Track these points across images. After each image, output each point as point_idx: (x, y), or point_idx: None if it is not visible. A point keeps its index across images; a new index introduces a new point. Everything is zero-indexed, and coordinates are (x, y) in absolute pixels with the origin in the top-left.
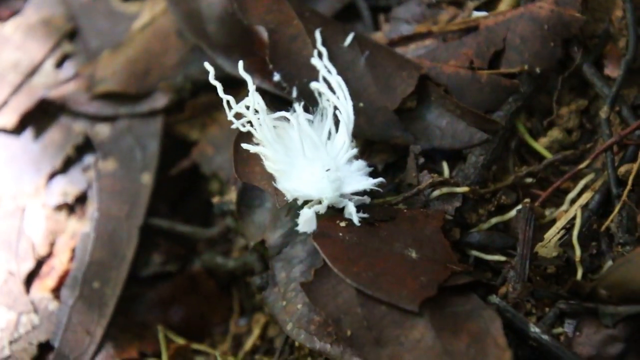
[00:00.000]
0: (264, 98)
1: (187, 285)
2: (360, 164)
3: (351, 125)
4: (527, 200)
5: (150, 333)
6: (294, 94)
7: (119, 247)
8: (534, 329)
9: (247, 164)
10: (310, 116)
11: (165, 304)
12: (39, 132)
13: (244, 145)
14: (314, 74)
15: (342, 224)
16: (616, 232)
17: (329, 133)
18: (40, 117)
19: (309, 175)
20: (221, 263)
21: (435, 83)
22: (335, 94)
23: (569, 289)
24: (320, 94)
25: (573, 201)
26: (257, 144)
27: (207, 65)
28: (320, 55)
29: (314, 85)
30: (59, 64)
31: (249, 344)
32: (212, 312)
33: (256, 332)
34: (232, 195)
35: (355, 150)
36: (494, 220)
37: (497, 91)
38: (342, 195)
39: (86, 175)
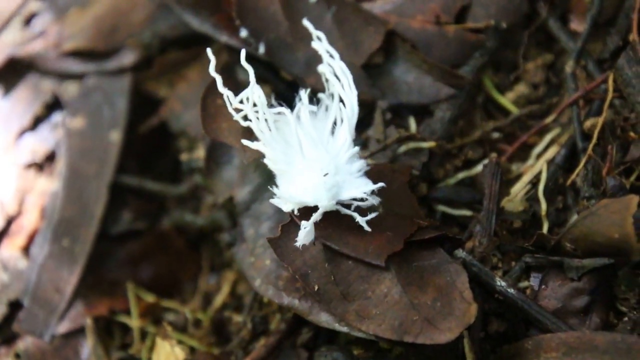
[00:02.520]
0: (231, 55)
1: (157, 243)
2: (361, 163)
3: (354, 120)
4: (493, 154)
5: (120, 290)
6: (261, 50)
7: (88, 205)
8: (500, 283)
9: (215, 121)
10: (314, 107)
11: (135, 262)
12: (7, 90)
13: (244, 142)
14: (280, 30)
15: None
16: (582, 186)
17: (334, 125)
18: (8, 75)
19: (306, 180)
20: (190, 220)
21: (402, 38)
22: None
23: (534, 243)
24: (326, 79)
25: (539, 156)
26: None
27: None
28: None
29: (320, 69)
30: (27, 22)
31: (218, 300)
32: (181, 270)
33: (225, 289)
34: (200, 152)
35: (357, 149)
36: (460, 175)
37: (463, 46)
38: (341, 202)
39: (55, 133)
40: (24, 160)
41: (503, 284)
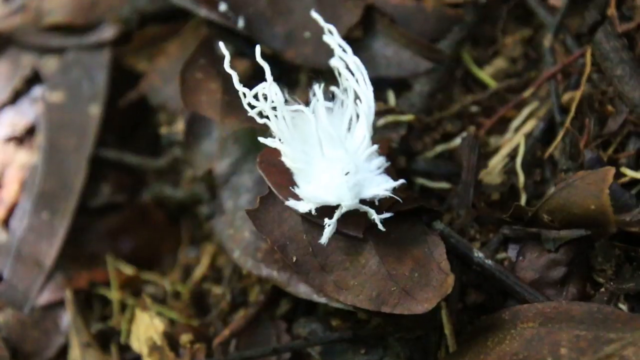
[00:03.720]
0: (210, 29)
1: (136, 216)
2: (380, 160)
3: (372, 117)
4: (471, 128)
5: (99, 263)
6: (240, 24)
7: (68, 178)
8: (478, 254)
9: (194, 94)
10: (329, 104)
11: (115, 235)
12: None
13: (261, 139)
14: (259, 4)
15: None
16: (560, 158)
17: (350, 122)
18: None
19: (327, 179)
20: (170, 194)
21: (381, 13)
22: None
23: (511, 214)
24: (339, 73)
25: (517, 129)
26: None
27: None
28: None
29: (333, 63)
30: None
31: (197, 273)
32: (161, 243)
33: (205, 261)
34: (179, 126)
35: (375, 147)
36: (439, 149)
37: (442, 21)
38: (362, 201)
39: (35, 107)
40: (3, 134)
41: (481, 255)
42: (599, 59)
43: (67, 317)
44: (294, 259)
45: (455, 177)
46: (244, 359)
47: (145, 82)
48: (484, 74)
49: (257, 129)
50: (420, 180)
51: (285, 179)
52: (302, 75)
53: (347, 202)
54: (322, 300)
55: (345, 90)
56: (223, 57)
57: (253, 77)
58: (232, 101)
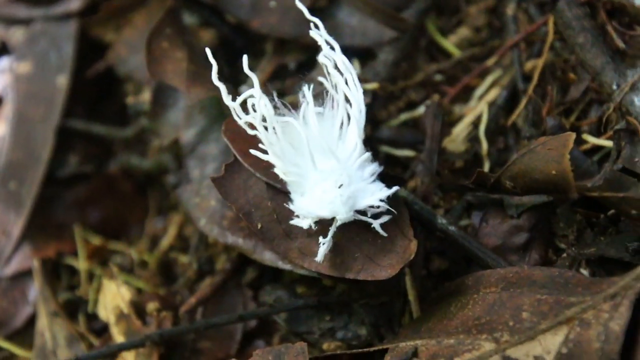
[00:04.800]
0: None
1: (104, 186)
2: (374, 167)
3: (362, 121)
4: (435, 96)
5: (67, 233)
6: None
7: (35, 149)
8: (441, 221)
9: (160, 64)
10: (320, 109)
11: (82, 205)
12: None
13: (252, 151)
14: None
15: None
16: (523, 126)
17: (341, 126)
18: None
19: (320, 193)
20: (137, 164)
21: None
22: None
23: (474, 181)
24: (328, 72)
25: (481, 97)
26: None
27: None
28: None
29: (321, 59)
30: None
31: (164, 243)
32: (128, 213)
33: (172, 231)
34: (146, 96)
35: (368, 154)
36: (403, 117)
37: None
38: (358, 211)
39: (2, 78)
40: None
41: (444, 221)
42: (561, 27)
43: (34, 287)
44: (259, 226)
45: (420, 145)
46: (211, 326)
47: (112, 52)
48: (448, 43)
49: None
50: (385, 148)
51: (250, 146)
52: (268, 45)
53: (342, 215)
54: (287, 267)
55: (335, 87)
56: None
57: (219, 47)
58: (197, 70)
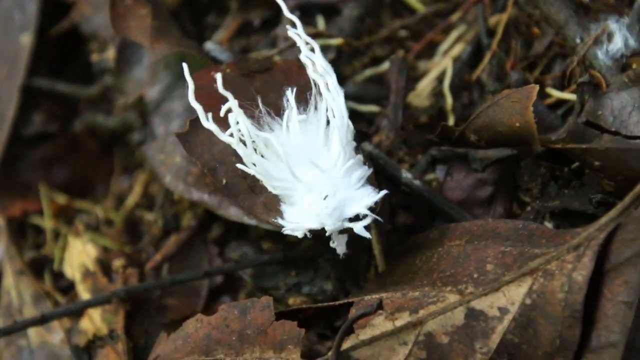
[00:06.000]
0: None
1: (69, 145)
2: (362, 171)
3: (344, 129)
4: (400, 51)
5: (32, 192)
6: None
7: (0, 108)
8: (406, 175)
9: (124, 20)
10: (303, 117)
11: (48, 164)
12: None
13: (239, 166)
14: None
15: (217, 75)
16: (487, 81)
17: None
18: None
19: (307, 205)
20: (102, 122)
21: None
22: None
23: (439, 134)
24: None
25: (445, 52)
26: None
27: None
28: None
29: (303, 58)
30: None
31: (130, 201)
32: (94, 171)
33: (138, 189)
34: (111, 53)
35: (352, 161)
36: (368, 72)
37: None
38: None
39: None
40: None
41: (409, 176)
42: None
43: (0, 246)
44: (224, 181)
45: (384, 101)
46: (176, 282)
47: (77, 11)
48: None
49: (188, 53)
50: (350, 104)
51: (215, 102)
52: (233, 1)
53: (330, 227)
54: (252, 222)
55: (318, 87)
56: None
57: (184, 4)
58: (161, 26)
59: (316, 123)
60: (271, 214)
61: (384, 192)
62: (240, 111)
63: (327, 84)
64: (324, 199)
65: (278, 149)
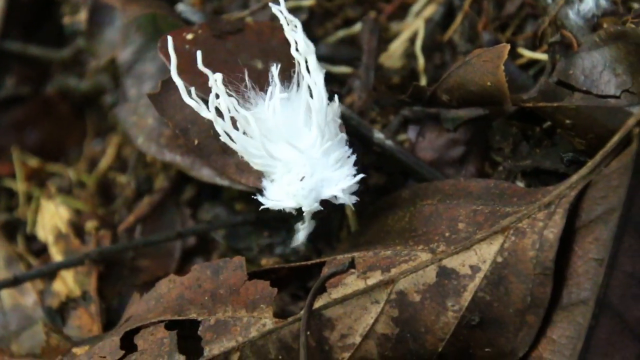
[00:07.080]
0: None
1: (41, 108)
2: (340, 152)
3: (323, 112)
4: (372, 12)
5: (5, 155)
6: None
7: None
8: (378, 135)
9: None
10: (285, 95)
11: (20, 127)
12: None
13: (222, 139)
14: None
15: (189, 36)
16: (459, 42)
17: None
18: None
19: (285, 185)
20: (74, 85)
21: None
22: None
23: (410, 94)
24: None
25: (417, 14)
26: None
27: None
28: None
29: (288, 37)
30: None
31: (103, 163)
32: (66, 135)
33: (110, 152)
34: (83, 15)
35: (330, 143)
36: (340, 34)
37: None
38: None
39: None
40: None
41: (381, 136)
42: None
43: None
44: (196, 142)
45: (356, 62)
46: (149, 243)
47: None
48: None
49: (159, 15)
50: (322, 65)
51: (187, 63)
52: None
53: (306, 207)
54: (225, 182)
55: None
56: None
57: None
58: None
59: (298, 102)
60: (244, 175)
61: (360, 175)
62: (223, 88)
63: (308, 68)
64: (301, 180)
65: (255, 129)
